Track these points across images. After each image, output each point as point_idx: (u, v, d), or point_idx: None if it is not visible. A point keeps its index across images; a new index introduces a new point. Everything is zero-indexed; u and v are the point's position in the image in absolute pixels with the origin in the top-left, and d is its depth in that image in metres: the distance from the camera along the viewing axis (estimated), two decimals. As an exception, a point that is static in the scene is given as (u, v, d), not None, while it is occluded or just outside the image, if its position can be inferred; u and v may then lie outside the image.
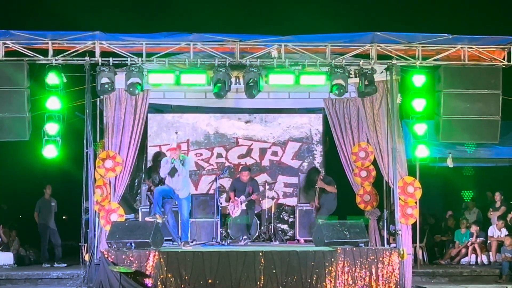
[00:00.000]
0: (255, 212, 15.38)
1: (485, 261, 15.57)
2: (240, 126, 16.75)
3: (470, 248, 15.70)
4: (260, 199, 15.34)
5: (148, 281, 12.01)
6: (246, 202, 14.77)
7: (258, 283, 12.11)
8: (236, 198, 14.88)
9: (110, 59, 12.79)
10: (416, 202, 13.42)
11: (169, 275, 12.06)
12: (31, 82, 12.82)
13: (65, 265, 14.96)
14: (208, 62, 12.99)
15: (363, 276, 12.30)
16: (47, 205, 15.73)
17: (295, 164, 16.65)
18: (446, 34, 12.93)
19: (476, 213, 16.85)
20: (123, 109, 13.45)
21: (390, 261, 12.40)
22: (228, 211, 15.07)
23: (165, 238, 13.34)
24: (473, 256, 15.67)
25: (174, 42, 12.90)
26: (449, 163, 15.45)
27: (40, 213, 15.66)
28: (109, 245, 12.41)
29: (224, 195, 15.68)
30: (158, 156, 15.56)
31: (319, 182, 14.76)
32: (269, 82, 13.12)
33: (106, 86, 12.69)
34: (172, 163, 13.25)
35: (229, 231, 15.05)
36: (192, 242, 14.03)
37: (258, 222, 15.37)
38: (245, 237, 14.54)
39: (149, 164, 15.97)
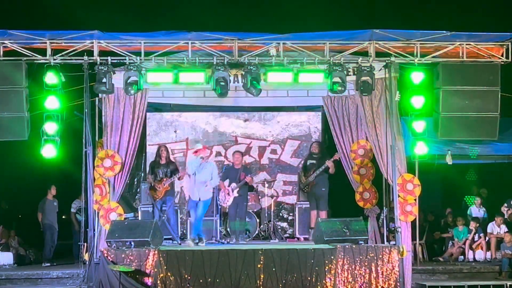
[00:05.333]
0: (254, 210, 15.37)
1: (483, 257, 15.56)
2: (239, 125, 16.75)
3: (467, 245, 15.70)
4: (251, 179, 14.71)
5: (148, 280, 12.00)
6: (238, 189, 14.47)
7: (258, 281, 12.11)
8: (226, 186, 14.59)
9: (109, 58, 12.77)
10: (415, 199, 13.41)
11: (169, 274, 12.06)
12: (29, 81, 12.81)
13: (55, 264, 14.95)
14: (206, 61, 12.99)
15: (363, 274, 12.30)
16: (51, 205, 15.70)
17: (294, 162, 16.65)
18: (444, 31, 12.90)
19: (484, 210, 16.79)
20: (122, 108, 13.41)
21: (389, 258, 12.40)
22: (220, 202, 14.74)
23: (164, 237, 13.33)
24: (471, 252, 15.66)
25: (173, 40, 12.89)
26: (448, 160, 15.46)
27: (44, 214, 15.62)
28: (109, 244, 12.41)
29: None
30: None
31: (330, 161, 14.60)
32: (267, 80, 13.12)
33: (105, 85, 12.68)
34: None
35: (228, 229, 14.98)
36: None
37: (258, 220, 15.35)
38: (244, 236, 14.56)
39: (151, 159, 15.72)
